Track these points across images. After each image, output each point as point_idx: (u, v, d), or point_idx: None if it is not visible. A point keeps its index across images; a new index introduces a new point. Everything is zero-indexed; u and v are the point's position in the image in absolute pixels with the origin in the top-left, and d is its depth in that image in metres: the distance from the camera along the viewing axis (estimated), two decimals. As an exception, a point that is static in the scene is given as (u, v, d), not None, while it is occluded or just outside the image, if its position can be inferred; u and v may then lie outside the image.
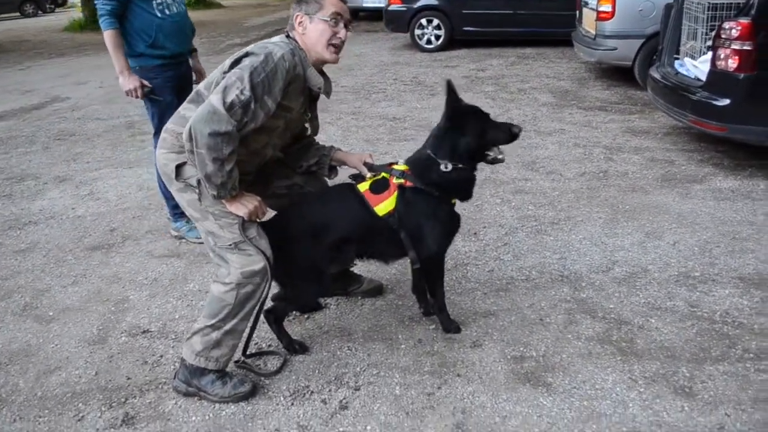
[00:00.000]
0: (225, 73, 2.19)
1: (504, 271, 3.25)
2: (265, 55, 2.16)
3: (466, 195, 2.57)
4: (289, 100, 2.28)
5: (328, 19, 2.30)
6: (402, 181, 2.44)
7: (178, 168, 2.27)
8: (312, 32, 2.31)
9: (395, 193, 2.44)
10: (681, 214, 3.80)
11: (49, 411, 2.39)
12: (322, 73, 2.41)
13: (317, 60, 2.36)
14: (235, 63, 2.20)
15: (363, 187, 2.50)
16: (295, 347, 2.65)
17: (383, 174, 2.51)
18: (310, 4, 2.31)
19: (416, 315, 2.86)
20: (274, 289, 2.56)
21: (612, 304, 2.89)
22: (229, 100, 2.08)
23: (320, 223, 2.48)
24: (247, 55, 2.19)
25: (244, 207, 2.24)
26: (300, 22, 2.33)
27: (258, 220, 2.33)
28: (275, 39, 2.32)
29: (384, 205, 2.44)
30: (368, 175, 2.53)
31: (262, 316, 2.55)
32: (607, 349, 2.58)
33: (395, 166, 2.51)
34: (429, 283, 2.69)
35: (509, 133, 2.48)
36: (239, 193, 2.24)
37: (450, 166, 2.42)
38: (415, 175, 2.45)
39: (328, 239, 2.47)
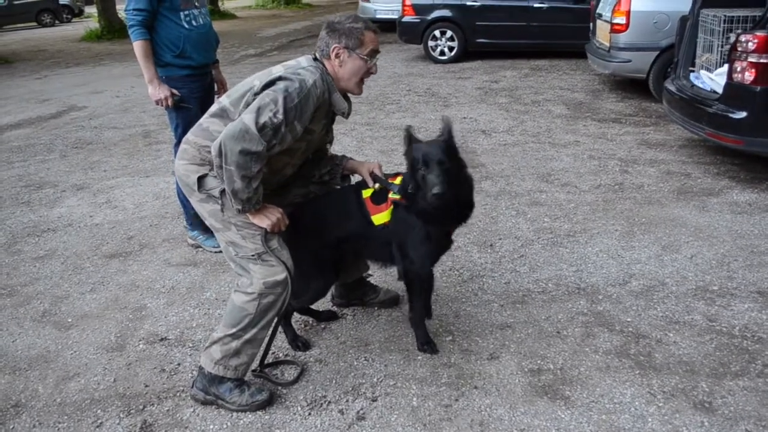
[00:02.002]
0: (256, 95, 2.22)
1: (520, 283, 3.24)
2: (300, 81, 2.20)
3: (446, 220, 2.50)
4: (313, 124, 2.33)
5: (367, 57, 2.35)
6: (398, 197, 2.46)
7: (200, 179, 2.30)
8: (349, 66, 2.36)
9: (391, 208, 2.48)
10: (698, 227, 3.78)
11: (69, 417, 2.41)
12: (346, 98, 2.46)
13: (344, 89, 2.41)
14: (267, 86, 2.22)
15: (366, 193, 2.54)
16: (298, 344, 2.74)
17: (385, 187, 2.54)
18: (351, 39, 2.34)
19: (432, 326, 2.85)
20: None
21: (629, 318, 2.88)
22: (261, 121, 2.11)
23: (322, 220, 2.56)
24: (280, 78, 2.22)
25: (267, 219, 2.27)
26: (337, 54, 2.35)
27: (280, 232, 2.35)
28: (304, 63, 2.35)
29: (380, 216, 2.50)
30: (374, 185, 2.55)
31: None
32: (625, 362, 2.56)
33: (398, 180, 2.53)
34: (408, 295, 2.69)
35: (429, 193, 2.29)
36: (262, 206, 2.27)
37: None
38: (403, 194, 2.47)
39: (328, 235, 2.54)
